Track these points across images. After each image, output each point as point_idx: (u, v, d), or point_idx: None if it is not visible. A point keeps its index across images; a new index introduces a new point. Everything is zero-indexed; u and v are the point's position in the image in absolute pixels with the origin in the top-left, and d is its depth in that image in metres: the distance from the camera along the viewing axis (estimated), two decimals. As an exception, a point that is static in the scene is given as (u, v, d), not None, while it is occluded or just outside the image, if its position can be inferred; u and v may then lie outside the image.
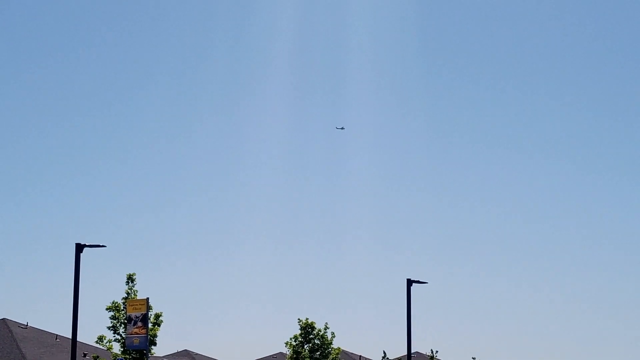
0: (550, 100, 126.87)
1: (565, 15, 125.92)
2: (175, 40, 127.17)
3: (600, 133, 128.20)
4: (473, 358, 61.29)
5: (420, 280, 40.92)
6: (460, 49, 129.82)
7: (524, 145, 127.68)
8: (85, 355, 60.28)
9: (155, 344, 42.37)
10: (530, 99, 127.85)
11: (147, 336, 39.22)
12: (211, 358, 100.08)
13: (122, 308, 41.81)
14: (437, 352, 58.46)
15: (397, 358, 61.50)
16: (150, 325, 40.75)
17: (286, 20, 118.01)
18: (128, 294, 42.41)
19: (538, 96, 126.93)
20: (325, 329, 54.36)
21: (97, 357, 44.28)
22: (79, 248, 33.19)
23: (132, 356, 41.48)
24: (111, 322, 42.09)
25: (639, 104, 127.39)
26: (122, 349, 41.60)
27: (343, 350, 63.94)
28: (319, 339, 54.23)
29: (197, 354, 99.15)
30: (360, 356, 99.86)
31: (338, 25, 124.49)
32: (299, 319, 54.61)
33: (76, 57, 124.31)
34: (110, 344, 41.88)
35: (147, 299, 39.82)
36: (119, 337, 41.79)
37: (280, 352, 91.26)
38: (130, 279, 42.84)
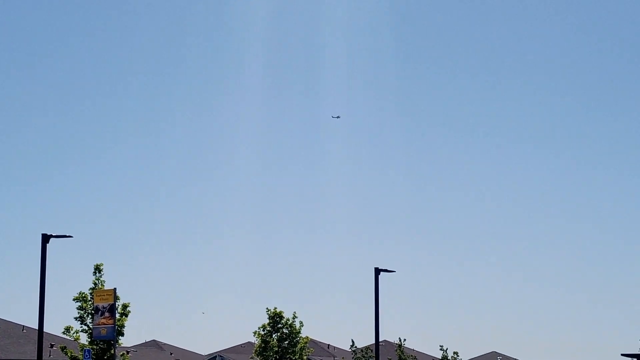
0: (524, 87, 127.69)
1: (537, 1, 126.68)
2: (150, 34, 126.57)
3: (572, 119, 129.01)
4: (441, 346, 61.46)
5: (388, 269, 41.05)
6: (434, 39, 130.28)
7: (495, 136, 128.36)
8: (52, 346, 59.91)
9: (122, 335, 42.20)
10: (503, 87, 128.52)
11: (114, 326, 39.08)
12: (179, 348, 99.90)
13: (89, 299, 41.57)
14: (405, 340, 58.73)
15: (366, 346, 61.62)
16: (117, 315, 40.59)
17: (261, 14, 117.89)
18: (95, 284, 42.18)
19: (512, 84, 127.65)
20: (293, 318, 54.40)
21: (65, 347, 43.99)
22: (45, 238, 32.95)
23: (99, 347, 41.27)
24: (78, 312, 41.83)
25: (620, 88, 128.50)
26: (89, 340, 41.38)
27: (311, 339, 63.94)
28: (287, 328, 54.25)
29: (165, 344, 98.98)
30: (328, 345, 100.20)
31: (312, 19, 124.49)
32: (267, 309, 54.64)
33: (50, 55, 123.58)
34: (78, 334, 41.63)
35: (115, 289, 39.66)
36: (86, 327, 41.55)
37: (249, 342, 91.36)
38: (98, 269, 42.59)
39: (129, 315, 42.50)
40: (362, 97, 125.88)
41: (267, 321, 54.31)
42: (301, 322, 54.47)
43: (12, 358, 59.89)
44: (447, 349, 60.51)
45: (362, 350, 59.88)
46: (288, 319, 54.32)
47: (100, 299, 39.64)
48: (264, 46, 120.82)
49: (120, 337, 42.00)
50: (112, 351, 40.92)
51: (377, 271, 40.60)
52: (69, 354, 42.37)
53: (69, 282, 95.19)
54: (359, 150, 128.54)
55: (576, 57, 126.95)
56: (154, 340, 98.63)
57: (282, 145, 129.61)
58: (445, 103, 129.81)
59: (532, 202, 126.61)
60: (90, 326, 41.00)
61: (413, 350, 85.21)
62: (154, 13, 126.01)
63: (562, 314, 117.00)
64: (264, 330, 54.16)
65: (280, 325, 54.26)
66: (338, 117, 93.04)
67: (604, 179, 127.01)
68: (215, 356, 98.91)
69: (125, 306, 42.37)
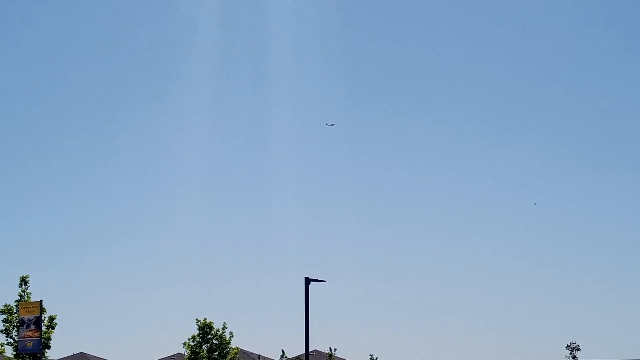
0: (471, 92, 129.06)
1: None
2: (96, 40, 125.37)
3: (525, 107, 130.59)
4: (371, 355, 61.84)
5: (319, 279, 41.13)
6: (384, 41, 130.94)
7: (429, 154, 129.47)
8: (-24, 359, 58.79)
9: (49, 347, 41.65)
10: (448, 98, 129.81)
11: (40, 339, 38.58)
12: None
13: (14, 311, 40.99)
14: (335, 350, 59.02)
15: (296, 356, 61.69)
16: (44, 328, 40.08)
17: (208, 19, 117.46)
18: (21, 296, 41.59)
19: (455, 93, 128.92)
20: (223, 329, 54.23)
21: (-11, 361, 43.26)
22: (-31, 250, 32.42)
23: (25, 360, 40.68)
24: (4, 325, 41.22)
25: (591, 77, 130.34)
26: (15, 353, 40.80)
27: (242, 350, 63.84)
28: (217, 338, 54.05)
29: (93, 356, 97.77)
30: (259, 355, 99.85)
31: (259, 24, 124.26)
32: (197, 319, 54.36)
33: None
34: (3, 347, 41.04)
35: (41, 301, 39.18)
36: (11, 340, 40.97)
37: (179, 353, 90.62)
38: (24, 281, 42.03)
39: (55, 328, 41.99)
40: (309, 104, 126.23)
41: (197, 332, 54.04)
42: (231, 333, 54.35)
43: None
44: (377, 358, 60.98)
45: (292, 360, 59.96)
46: (218, 330, 54.12)
47: (26, 312, 39.11)
48: (213, 40, 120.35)
49: (46, 350, 41.45)
50: (39, 364, 40.35)
51: (307, 281, 40.63)
52: (-7, 368, 41.71)
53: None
54: (295, 159, 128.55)
55: (543, 45, 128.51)
56: (81, 352, 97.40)
57: (225, 155, 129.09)
58: (393, 114, 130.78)
59: (464, 211, 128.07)
60: (16, 339, 40.42)
61: (344, 359, 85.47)
62: (101, 14, 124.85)
63: (490, 323, 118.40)
64: (193, 341, 53.87)
65: (210, 336, 54.02)
66: (332, 124, 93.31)
67: (539, 182, 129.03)
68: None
69: (52, 318, 41.83)
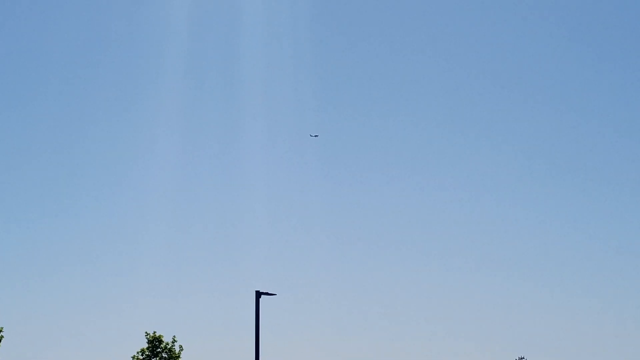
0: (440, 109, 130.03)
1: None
2: (64, 48, 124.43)
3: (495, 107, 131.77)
4: (321, 369, 61.69)
5: (269, 292, 41.09)
6: (357, 55, 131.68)
7: (390, 172, 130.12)
8: None
9: (-5, 360, 41.09)
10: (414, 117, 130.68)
11: (-14, 352, 38.02)
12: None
13: (-41, 323, 40.32)
14: (285, 363, 58.82)
15: (246, 370, 61.44)
16: (-11, 340, 39.47)
17: (178, 26, 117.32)
18: (-34, 308, 41.02)
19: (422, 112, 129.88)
20: (173, 342, 53.89)
21: None
22: None
23: (-31, 373, 40.05)
24: (-53, 338, 40.54)
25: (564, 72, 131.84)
26: (-41, 366, 40.12)
27: (191, 364, 63.26)
28: (166, 352, 53.69)
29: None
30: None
31: (230, 31, 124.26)
32: (146, 332, 53.96)
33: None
34: (-54, 360, 40.32)
35: (-13, 313, 38.66)
36: (-45, 353, 40.30)
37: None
38: (-31, 292, 41.45)
39: (1, 340, 41.44)
40: (280, 108, 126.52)
41: (146, 345, 53.64)
42: (181, 347, 54.01)
43: None
44: (327, 372, 60.81)
45: (242, 374, 59.76)
46: (167, 343, 53.78)
47: (-29, 324, 38.52)
48: (184, 44, 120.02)
49: (-8, 363, 40.87)
50: (-17, 377, 39.77)
51: (258, 294, 40.58)
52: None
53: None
54: (263, 168, 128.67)
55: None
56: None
57: (193, 167, 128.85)
58: (364, 122, 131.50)
59: (421, 224, 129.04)
60: (-40, 352, 39.78)
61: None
62: (73, 17, 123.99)
63: (438, 337, 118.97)
64: (142, 355, 53.47)
65: (159, 349, 53.65)
66: (316, 136, 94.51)
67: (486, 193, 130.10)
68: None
69: (-2, 331, 41.28)
